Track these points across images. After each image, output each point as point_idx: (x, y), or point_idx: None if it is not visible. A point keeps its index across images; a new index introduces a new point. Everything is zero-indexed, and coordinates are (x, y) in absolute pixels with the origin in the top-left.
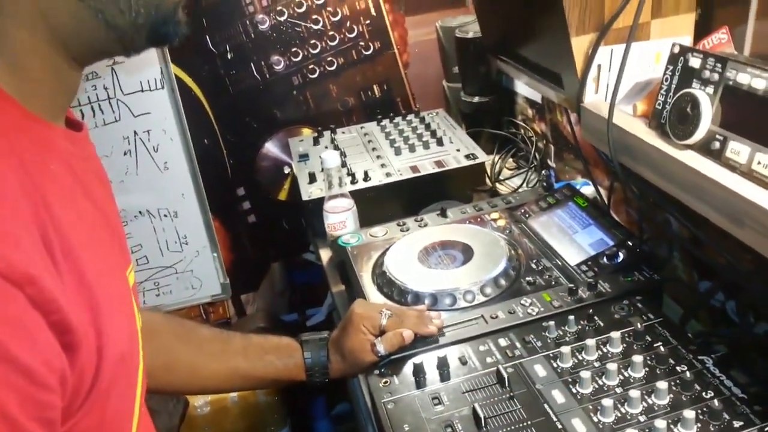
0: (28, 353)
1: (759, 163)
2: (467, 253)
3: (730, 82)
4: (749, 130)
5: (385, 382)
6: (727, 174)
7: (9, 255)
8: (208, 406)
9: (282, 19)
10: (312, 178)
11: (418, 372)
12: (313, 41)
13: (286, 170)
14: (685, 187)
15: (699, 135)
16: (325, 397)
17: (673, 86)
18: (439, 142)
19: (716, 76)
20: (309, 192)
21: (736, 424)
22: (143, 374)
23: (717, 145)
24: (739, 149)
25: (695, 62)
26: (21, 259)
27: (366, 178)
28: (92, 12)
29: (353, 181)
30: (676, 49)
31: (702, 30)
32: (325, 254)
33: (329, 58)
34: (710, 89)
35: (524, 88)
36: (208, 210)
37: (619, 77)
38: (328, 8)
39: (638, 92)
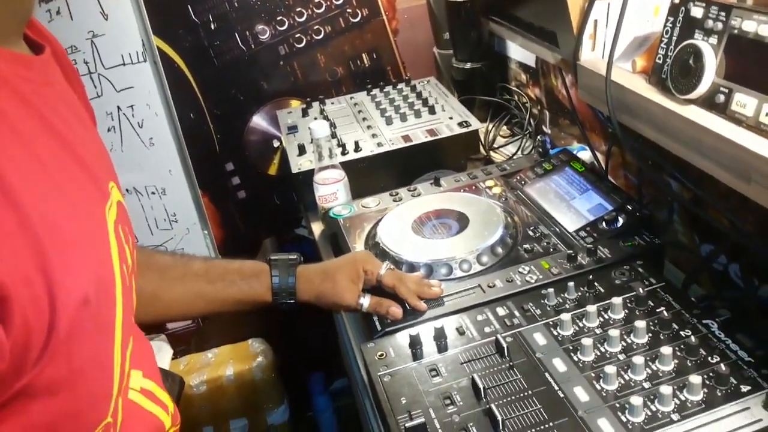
0: None
1: (767, 114)
2: (462, 221)
3: (735, 31)
4: (756, 81)
5: (381, 355)
6: (732, 128)
7: None
8: (204, 385)
9: None
10: (301, 150)
11: (415, 344)
12: (299, 9)
13: (275, 144)
14: (689, 143)
15: (703, 88)
16: (324, 374)
17: (674, 38)
18: (431, 111)
19: (720, 25)
20: (298, 164)
21: (744, 388)
22: (124, 314)
23: (722, 98)
24: (745, 101)
25: (697, 11)
26: None
27: (357, 148)
28: None
29: (344, 152)
30: None
31: None
32: (317, 228)
33: (316, 27)
34: (714, 39)
35: (518, 51)
36: (196, 186)
37: (616, 32)
38: None
39: (637, 47)
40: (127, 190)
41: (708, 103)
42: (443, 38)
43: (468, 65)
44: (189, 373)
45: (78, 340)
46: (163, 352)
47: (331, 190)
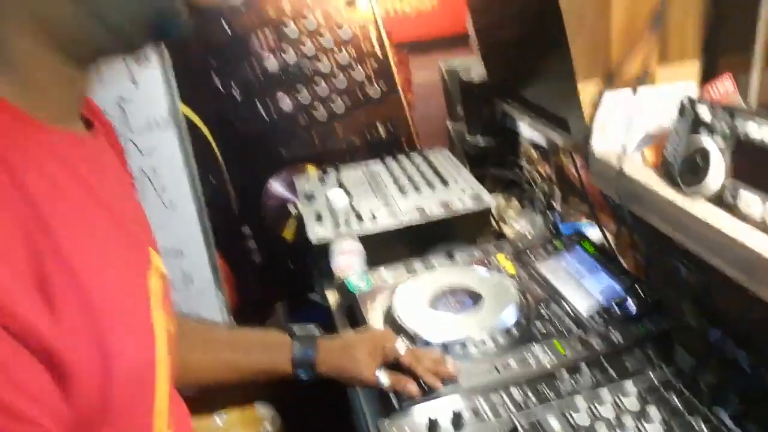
0: (3, 387)
1: None
2: (476, 297)
3: (741, 135)
4: (762, 182)
5: None
6: (739, 226)
7: None
8: None
9: (289, 59)
10: (318, 218)
11: (433, 427)
12: (319, 81)
13: (292, 209)
14: (696, 238)
15: (710, 187)
16: None
17: (683, 137)
18: (444, 182)
19: (726, 128)
20: (317, 233)
21: None
22: (168, 380)
23: (729, 196)
24: (752, 201)
25: (705, 113)
26: None
27: (373, 219)
28: (89, 14)
29: (360, 222)
30: (686, 101)
31: (707, 76)
32: (331, 295)
33: (335, 98)
34: (721, 140)
35: (528, 130)
36: (214, 249)
37: (627, 124)
38: (335, 49)
39: (647, 140)
40: None
41: (716, 200)
42: (456, 112)
43: (480, 140)
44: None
45: (125, 407)
46: None
47: (348, 261)
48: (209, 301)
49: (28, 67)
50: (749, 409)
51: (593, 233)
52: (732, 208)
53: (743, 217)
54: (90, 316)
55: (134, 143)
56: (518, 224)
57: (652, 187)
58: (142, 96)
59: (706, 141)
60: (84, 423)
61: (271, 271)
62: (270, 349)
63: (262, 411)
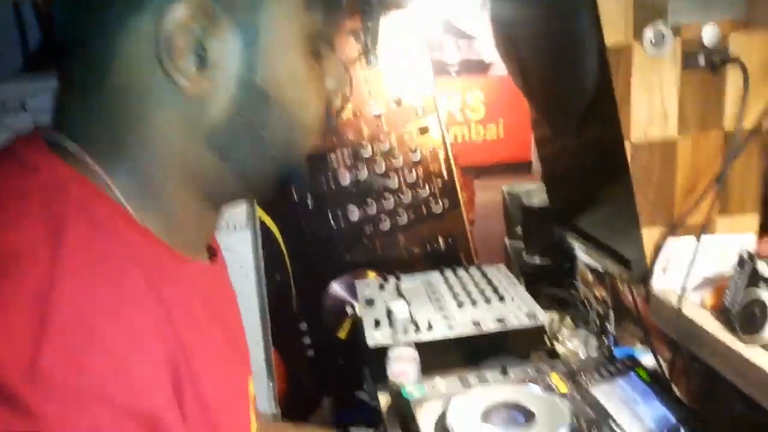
0: None
1: None
2: (529, 415)
3: None
4: None
5: None
6: None
7: (137, 394)
8: None
9: (361, 175)
10: (377, 324)
11: None
12: (387, 196)
13: (349, 309)
14: (752, 382)
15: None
16: None
17: (742, 288)
18: (500, 298)
19: None
20: (375, 338)
21: None
22: None
23: None
24: None
25: (763, 269)
26: (147, 398)
27: (429, 328)
28: (233, 171)
29: (417, 331)
30: (745, 255)
31: (765, 228)
32: (382, 397)
33: (401, 212)
34: None
35: (585, 255)
36: (270, 343)
37: (688, 270)
38: (405, 169)
39: (706, 284)
40: None
41: None
42: (515, 231)
43: (537, 260)
44: None
45: None
46: None
47: (404, 368)
48: (259, 390)
49: (177, 210)
50: None
51: (647, 360)
52: None
53: None
54: (209, 424)
55: None
56: (571, 343)
57: (710, 330)
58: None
59: (764, 294)
60: None
61: (323, 366)
62: None
63: None
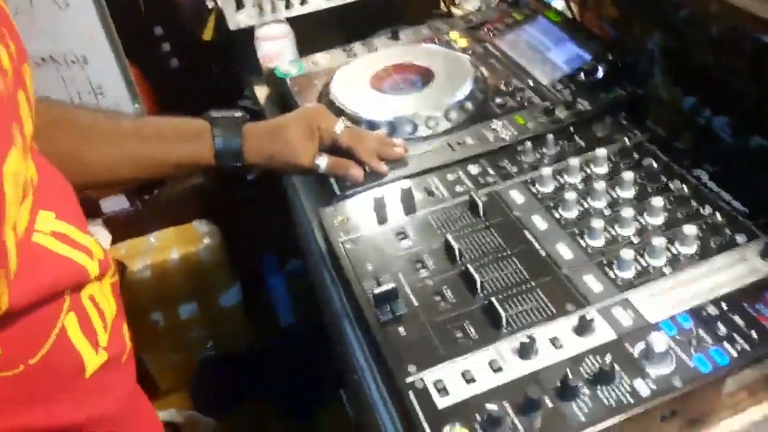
0: None
1: None
2: (426, 76)
3: None
4: None
5: (341, 220)
6: None
7: None
8: (149, 269)
9: None
10: (239, 5)
11: (379, 206)
12: None
13: (210, 4)
14: None
15: None
16: (277, 256)
17: None
18: None
19: None
20: (237, 21)
21: (740, 238)
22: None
23: None
24: None
25: None
26: None
27: (303, 2)
28: None
29: (288, 6)
30: None
31: None
32: (262, 93)
33: None
34: None
35: None
36: (122, 54)
37: None
38: None
39: None
40: (42, 58)
41: None
42: None
43: None
44: (130, 258)
45: None
46: (100, 238)
47: (276, 47)
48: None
49: None
50: (728, 173)
51: (557, 2)
52: None
53: None
54: None
55: None
56: (470, 5)
57: None
58: None
59: None
60: None
61: (193, 77)
62: (187, 138)
63: (200, 227)
